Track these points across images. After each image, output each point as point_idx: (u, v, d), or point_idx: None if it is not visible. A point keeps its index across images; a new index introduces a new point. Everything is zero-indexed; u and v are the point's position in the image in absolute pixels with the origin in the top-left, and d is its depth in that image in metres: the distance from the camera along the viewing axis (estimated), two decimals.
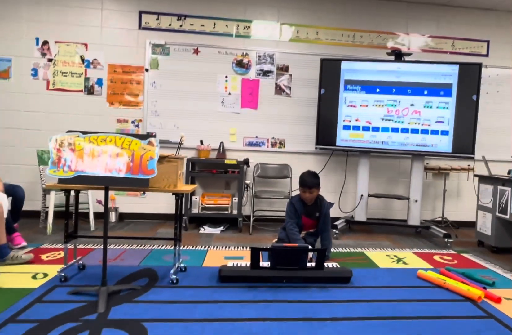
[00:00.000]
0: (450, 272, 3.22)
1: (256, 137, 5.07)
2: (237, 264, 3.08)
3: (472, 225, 4.66)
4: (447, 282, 2.93)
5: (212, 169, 4.69)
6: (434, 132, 4.52)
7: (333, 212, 4.02)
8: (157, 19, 4.91)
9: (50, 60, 4.76)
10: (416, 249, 4.09)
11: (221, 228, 4.63)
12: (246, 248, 3.81)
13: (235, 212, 4.65)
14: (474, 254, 3.97)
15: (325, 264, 3.04)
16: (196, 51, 4.95)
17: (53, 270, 2.93)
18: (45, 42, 4.74)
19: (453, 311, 2.54)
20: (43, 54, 4.75)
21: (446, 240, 4.27)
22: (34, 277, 2.85)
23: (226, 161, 4.63)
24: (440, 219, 5.21)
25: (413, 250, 4.04)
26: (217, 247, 3.86)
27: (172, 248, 3.01)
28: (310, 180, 3.44)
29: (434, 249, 4.13)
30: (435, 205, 5.35)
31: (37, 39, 4.74)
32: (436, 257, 3.80)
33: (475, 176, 4.47)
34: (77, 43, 4.79)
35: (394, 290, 2.88)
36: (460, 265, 3.57)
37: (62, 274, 2.78)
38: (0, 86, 4.70)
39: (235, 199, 4.68)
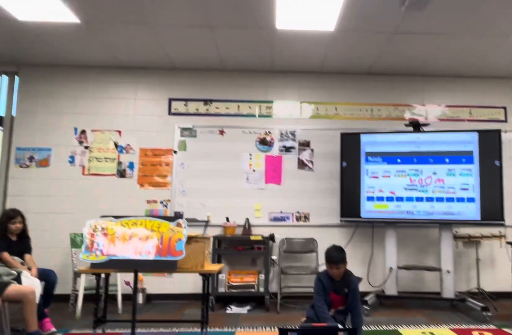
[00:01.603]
0: None
1: (281, 212, 5.15)
2: None
3: (511, 295, 4.44)
4: None
5: (238, 246, 4.75)
6: (460, 200, 4.51)
7: (362, 286, 3.93)
8: (185, 105, 5.30)
9: (86, 147, 5.14)
10: (453, 325, 3.90)
11: (248, 307, 4.54)
12: (274, 328, 3.73)
13: (261, 289, 4.60)
14: None
15: None
16: (221, 132, 5.25)
17: None
18: (83, 131, 5.16)
19: None
20: (80, 142, 5.14)
21: (484, 313, 4.05)
22: None
23: (252, 238, 4.69)
24: (476, 290, 4.95)
25: (449, 326, 3.86)
26: (244, 328, 3.79)
27: (200, 330, 2.99)
28: (336, 255, 3.40)
29: (473, 324, 3.94)
30: (469, 275, 5.13)
31: (75, 129, 5.16)
32: (476, 333, 3.62)
33: (508, 243, 4.34)
34: (111, 130, 5.19)
35: None
36: None
37: None
38: (39, 174, 5.04)
39: (261, 276, 4.65)
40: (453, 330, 3.72)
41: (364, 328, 3.59)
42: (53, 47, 4.69)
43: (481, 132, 4.57)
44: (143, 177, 5.14)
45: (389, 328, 3.80)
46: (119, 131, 5.20)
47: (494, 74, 5.40)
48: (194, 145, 5.21)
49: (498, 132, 4.53)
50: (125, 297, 4.49)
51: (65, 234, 4.76)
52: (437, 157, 4.61)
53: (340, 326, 3.13)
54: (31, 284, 3.36)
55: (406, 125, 4.95)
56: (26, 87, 5.19)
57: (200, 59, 5.01)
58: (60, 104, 5.19)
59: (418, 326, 3.87)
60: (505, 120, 5.45)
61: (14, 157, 5.05)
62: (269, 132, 5.29)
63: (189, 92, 5.33)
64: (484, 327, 3.85)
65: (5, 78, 5.25)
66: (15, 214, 3.78)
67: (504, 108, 5.47)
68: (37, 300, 3.24)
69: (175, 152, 5.18)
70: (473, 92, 5.49)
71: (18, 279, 3.40)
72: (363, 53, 4.79)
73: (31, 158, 5.05)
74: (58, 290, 4.01)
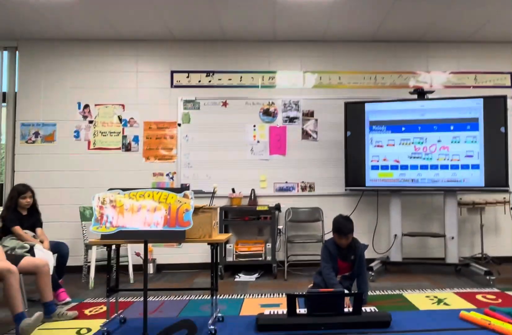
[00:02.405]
0: (495, 312, 3.11)
1: (286, 182, 5.19)
2: (274, 311, 3.11)
3: None
4: (493, 323, 2.84)
5: (244, 216, 4.82)
6: (465, 167, 4.51)
7: (368, 253, 4.01)
8: (188, 76, 5.26)
9: (90, 122, 5.15)
10: (457, 289, 3.99)
11: (256, 275, 4.66)
12: (282, 294, 3.82)
13: (269, 258, 4.70)
14: None
15: (363, 309, 3.03)
16: (224, 104, 5.23)
17: (96, 325, 3.04)
18: (86, 106, 5.15)
19: None
20: (85, 117, 5.15)
21: (488, 277, 4.14)
22: (78, 333, 2.96)
23: (258, 208, 4.75)
24: (479, 255, 5.04)
25: (453, 290, 3.94)
26: (253, 295, 3.89)
27: (209, 297, 3.08)
28: (345, 226, 3.44)
29: (476, 288, 4.02)
30: (473, 241, 5.21)
31: (79, 103, 5.16)
32: (479, 296, 3.69)
33: None
34: (115, 104, 5.18)
35: (436, 333, 2.81)
36: (504, 303, 3.45)
37: (105, 329, 2.87)
38: (45, 149, 5.09)
39: (268, 245, 4.74)
40: (457, 293, 3.80)
41: (369, 293, 3.68)
42: (52, 21, 4.62)
43: (486, 99, 4.51)
44: (148, 150, 5.16)
45: (394, 292, 3.89)
46: (122, 105, 5.19)
47: (500, 39, 5.29)
48: (198, 117, 5.20)
49: (503, 98, 4.47)
50: (136, 267, 4.62)
51: (74, 208, 4.85)
52: (442, 125, 4.58)
53: (346, 291, 3.22)
54: (44, 257, 3.45)
55: (411, 93, 4.89)
56: (27, 63, 5.15)
57: (201, 30, 4.93)
58: (62, 78, 5.17)
59: (423, 290, 3.96)
60: (511, 86, 5.37)
61: (19, 133, 5.08)
62: (273, 103, 5.26)
63: (191, 64, 5.27)
64: (488, 290, 3.92)
65: (5, 53, 5.19)
66: (25, 189, 3.83)
67: (510, 73, 5.39)
68: (51, 272, 3.34)
69: (179, 125, 5.18)
70: (479, 57, 5.40)
71: (31, 252, 3.49)
72: (366, 20, 4.70)
73: (36, 134, 5.08)
74: (71, 262, 4.13)
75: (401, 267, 4.91)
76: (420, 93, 4.82)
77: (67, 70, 5.17)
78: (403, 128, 4.69)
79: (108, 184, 4.68)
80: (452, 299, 3.62)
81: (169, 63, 5.27)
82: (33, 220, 3.91)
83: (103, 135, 5.15)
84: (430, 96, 4.82)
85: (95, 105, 5.17)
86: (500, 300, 3.56)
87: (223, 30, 4.94)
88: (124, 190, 2.84)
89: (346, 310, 2.98)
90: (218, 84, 5.27)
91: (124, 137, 5.16)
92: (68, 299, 3.67)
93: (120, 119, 5.17)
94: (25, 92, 5.12)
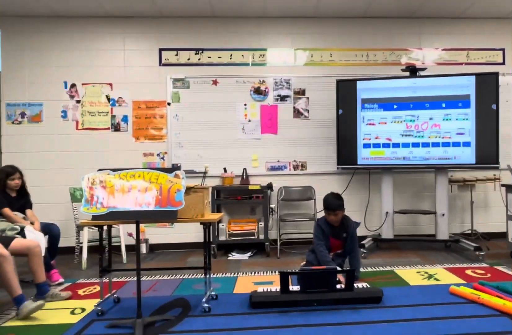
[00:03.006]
0: (484, 286, 3.17)
1: (278, 161, 5.17)
2: (267, 289, 3.14)
3: (503, 235, 4.58)
4: (482, 297, 2.89)
5: (237, 196, 4.81)
6: (456, 144, 4.52)
7: (360, 231, 4.05)
8: (176, 54, 5.15)
9: (78, 101, 5.05)
10: (447, 264, 4.05)
11: (249, 254, 4.69)
12: (275, 272, 3.86)
13: (261, 236, 4.72)
14: (508, 266, 3.90)
15: (355, 285, 3.06)
16: (215, 82, 5.14)
17: (90, 305, 3.05)
18: (73, 85, 5.04)
19: (490, 326, 2.51)
20: (72, 97, 5.04)
21: (477, 253, 4.20)
22: (72, 312, 2.97)
23: (250, 187, 4.74)
24: (469, 231, 5.13)
25: (444, 265, 4.00)
26: (246, 273, 3.91)
27: (203, 276, 3.09)
28: (333, 202, 3.49)
29: (466, 263, 4.08)
30: (463, 218, 5.28)
31: (65, 82, 5.04)
32: (468, 271, 3.75)
33: (502, 185, 4.41)
34: (102, 83, 5.07)
35: (427, 308, 2.86)
36: (493, 278, 3.52)
37: (99, 308, 2.88)
38: (33, 130, 4.99)
39: (261, 224, 4.76)
40: (447, 269, 3.86)
41: (361, 269, 3.72)
42: None
43: (478, 76, 4.48)
44: (138, 130, 5.09)
45: (386, 269, 3.94)
46: (110, 84, 5.08)
47: (493, 15, 5.24)
48: (188, 96, 5.12)
49: (495, 75, 4.44)
50: (128, 248, 4.62)
51: (64, 189, 4.80)
52: (434, 103, 4.56)
53: (338, 268, 3.25)
54: (35, 238, 3.41)
55: (403, 70, 4.84)
56: (10, 41, 4.99)
57: (189, 6, 4.79)
58: (47, 57, 5.03)
59: (414, 266, 4.01)
60: (503, 63, 5.35)
61: (5, 113, 4.97)
62: (264, 81, 5.18)
63: (180, 41, 5.16)
64: (477, 265, 3.99)
65: None
66: (13, 171, 3.78)
67: (503, 50, 5.35)
68: (42, 253, 3.31)
69: (168, 104, 5.10)
70: (472, 34, 5.34)
71: (22, 234, 3.46)
72: None
73: (22, 114, 4.97)
74: (63, 243, 4.11)
75: (393, 244, 4.96)
76: (412, 71, 4.77)
77: (52, 48, 5.03)
78: (395, 106, 4.67)
79: (98, 164, 4.65)
80: (442, 275, 3.67)
81: (157, 41, 5.14)
82: (22, 201, 3.86)
83: (91, 115, 5.05)
84: (422, 73, 4.77)
85: (82, 84, 5.05)
86: (489, 275, 3.62)
87: (212, 6, 4.81)
88: (114, 170, 2.79)
89: (338, 286, 3.02)
90: (207, 62, 5.18)
91: (113, 117, 5.07)
92: (61, 280, 3.68)
93: (108, 98, 5.07)
94: (9, 72, 4.98)
